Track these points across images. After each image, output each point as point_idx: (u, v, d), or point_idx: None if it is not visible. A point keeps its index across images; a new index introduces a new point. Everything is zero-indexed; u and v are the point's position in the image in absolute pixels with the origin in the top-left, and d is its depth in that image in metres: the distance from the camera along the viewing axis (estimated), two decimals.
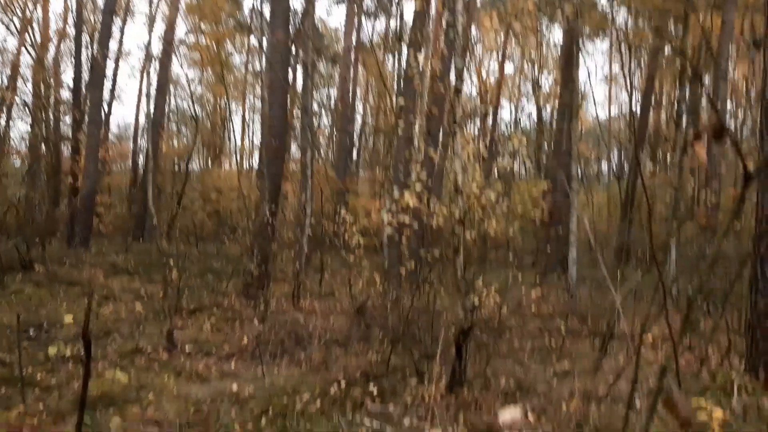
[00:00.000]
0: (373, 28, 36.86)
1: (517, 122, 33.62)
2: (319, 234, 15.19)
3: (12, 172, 25.43)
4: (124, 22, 26.55)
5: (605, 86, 45.67)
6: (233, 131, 43.32)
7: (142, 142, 29.33)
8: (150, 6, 30.20)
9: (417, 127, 12.34)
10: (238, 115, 41.78)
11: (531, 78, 31.25)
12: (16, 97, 22.25)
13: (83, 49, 21.74)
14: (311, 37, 15.75)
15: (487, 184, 6.34)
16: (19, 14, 22.63)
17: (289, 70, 18.70)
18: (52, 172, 20.20)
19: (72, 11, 23.39)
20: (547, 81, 32.86)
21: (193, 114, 33.11)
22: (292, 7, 16.13)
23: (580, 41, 20.62)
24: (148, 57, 21.46)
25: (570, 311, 11.07)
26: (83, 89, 21.05)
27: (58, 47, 25.31)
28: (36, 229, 16.27)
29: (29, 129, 23.25)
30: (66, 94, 23.55)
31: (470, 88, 33.42)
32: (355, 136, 35.00)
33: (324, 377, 7.19)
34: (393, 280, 11.19)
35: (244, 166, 39.67)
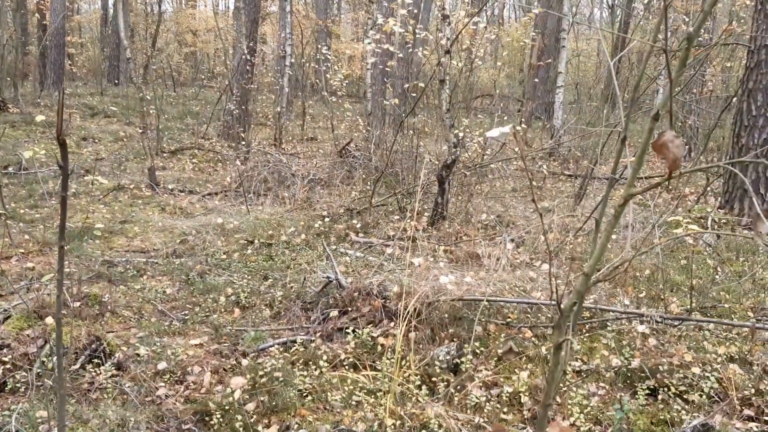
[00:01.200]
0: None
1: None
2: (300, 78, 14.73)
3: None
4: None
5: None
6: None
7: None
8: None
9: None
10: None
11: None
12: None
13: None
14: None
15: (477, 15, 6.03)
16: None
17: None
18: (17, 8, 18.96)
19: None
20: None
21: None
22: None
23: None
24: None
25: (552, 154, 11.12)
26: None
27: None
28: (7, 70, 15.56)
29: None
30: None
31: None
32: None
33: (308, 214, 7.28)
34: (375, 123, 11.05)
35: (220, 6, 37.73)
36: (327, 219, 6.79)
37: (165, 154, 11.08)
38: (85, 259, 5.43)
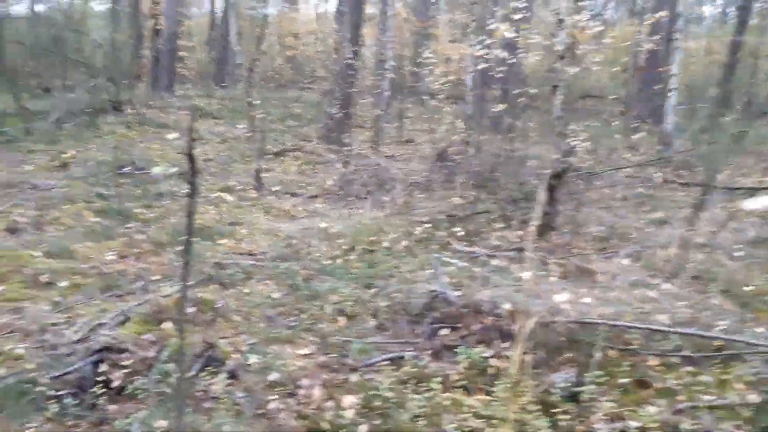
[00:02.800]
0: None
1: None
2: (398, 80, 14.69)
3: (94, 15, 25.56)
4: None
5: None
6: None
7: None
8: None
9: None
10: None
11: None
12: None
13: None
14: None
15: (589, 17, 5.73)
16: None
17: None
18: (133, 14, 20.12)
19: None
20: None
21: None
22: None
23: None
24: None
25: (665, 160, 10.50)
26: None
27: None
28: (123, 72, 16.53)
29: None
30: None
31: None
32: None
33: (408, 219, 7.20)
34: (476, 127, 10.83)
35: (322, 9, 38.50)
36: (427, 225, 6.68)
37: (268, 156, 11.34)
38: (196, 261, 5.59)
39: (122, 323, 4.04)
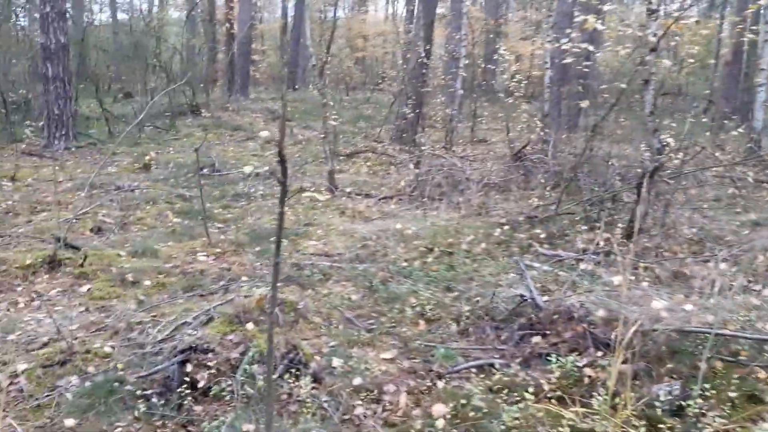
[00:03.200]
0: None
1: None
2: (470, 79, 14.47)
3: (171, 22, 26.45)
4: None
5: None
6: None
7: None
8: None
9: None
10: None
11: None
12: None
13: None
14: None
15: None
16: None
17: None
18: (209, 19, 20.69)
19: None
20: None
21: None
22: None
23: None
24: None
25: (756, 159, 9.88)
26: None
27: None
28: (200, 77, 16.99)
29: None
30: None
31: None
32: None
33: (485, 221, 7.02)
34: (553, 125, 10.51)
35: (390, 10, 38.56)
36: (506, 227, 6.48)
37: (341, 158, 11.37)
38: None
39: (206, 323, 4.06)
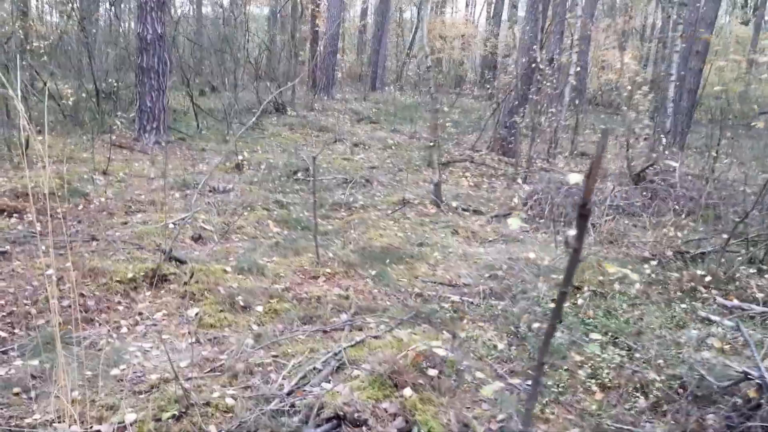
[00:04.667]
0: None
1: None
2: (580, 87, 13.51)
3: (255, 17, 26.38)
4: None
5: None
6: None
7: None
8: None
9: None
10: None
11: None
12: None
13: None
14: None
15: None
16: None
17: None
18: (293, 16, 20.36)
19: None
20: None
21: None
22: None
23: None
24: None
25: None
26: None
27: None
28: (285, 74, 16.61)
29: None
30: None
31: None
32: None
33: (624, 252, 6.16)
34: (677, 141, 9.51)
35: (470, 12, 37.61)
36: (653, 262, 5.61)
37: (437, 166, 10.65)
38: (394, 289, 4.92)
39: (336, 370, 3.41)
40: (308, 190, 8.30)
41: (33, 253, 5.16)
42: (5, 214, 6.18)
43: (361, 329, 4.03)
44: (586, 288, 4.86)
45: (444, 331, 4.11)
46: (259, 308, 4.31)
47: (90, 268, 4.70)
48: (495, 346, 3.97)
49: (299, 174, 9.02)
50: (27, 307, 4.01)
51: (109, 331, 3.79)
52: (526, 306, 4.54)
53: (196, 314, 4.12)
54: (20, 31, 11.23)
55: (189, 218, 6.16)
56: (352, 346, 3.67)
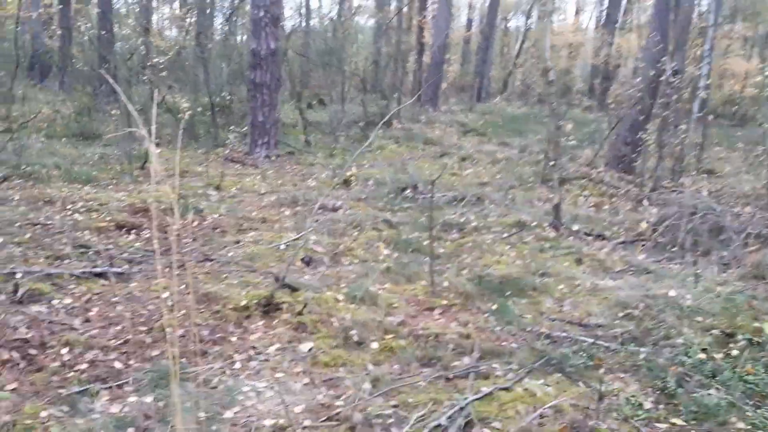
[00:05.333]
0: None
1: None
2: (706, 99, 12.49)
3: (360, 29, 26.59)
4: None
5: None
6: None
7: None
8: None
9: None
10: None
11: None
12: None
13: None
14: None
15: None
16: None
17: None
18: (399, 28, 20.26)
19: None
20: None
21: None
22: None
23: None
24: None
25: None
26: None
27: None
28: (390, 85, 16.51)
29: None
30: None
31: None
32: None
33: None
34: None
35: (579, 20, 36.30)
36: None
37: (550, 184, 10.08)
38: (518, 327, 4.51)
39: (464, 428, 3.06)
40: (417, 208, 8.02)
41: (149, 273, 5.16)
42: (124, 230, 6.30)
43: (487, 377, 3.66)
44: (739, 335, 4.24)
45: (580, 383, 3.67)
46: (374, 345, 4.04)
47: (204, 293, 4.62)
48: (640, 405, 3.48)
49: (407, 191, 8.76)
50: (142, 335, 3.94)
51: (223, 366, 3.63)
52: (669, 354, 4.00)
53: (310, 350, 3.90)
54: (143, 47, 11.71)
55: (301, 240, 6.02)
56: (479, 399, 3.31)
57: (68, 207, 6.79)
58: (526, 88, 26.30)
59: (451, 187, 9.46)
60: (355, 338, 4.08)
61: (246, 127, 11.02)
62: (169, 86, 13.22)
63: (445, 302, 4.91)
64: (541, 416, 3.21)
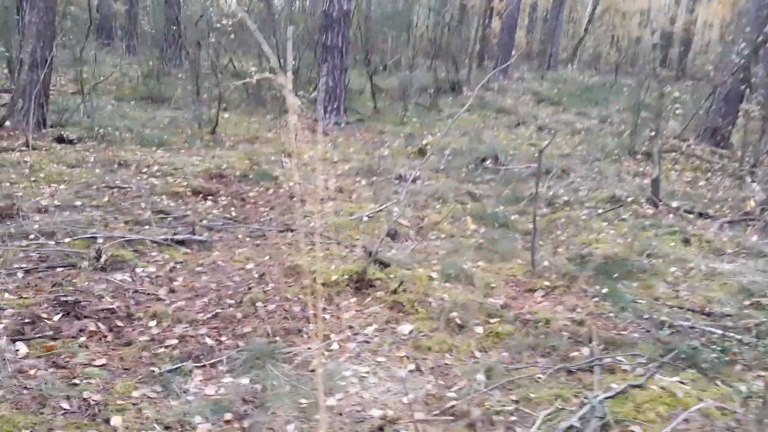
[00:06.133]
0: None
1: None
2: None
3: None
4: None
5: None
6: None
7: None
8: None
9: None
10: None
11: None
12: None
13: None
14: None
15: None
16: None
17: None
18: None
19: None
20: None
21: None
22: None
23: None
24: None
25: None
26: None
27: None
28: (461, 52, 15.89)
29: None
30: None
31: None
32: None
33: None
34: None
35: None
36: None
37: (638, 157, 9.45)
38: (634, 314, 4.07)
39: (600, 429, 2.68)
40: (500, 180, 7.57)
41: (231, 242, 4.92)
42: (201, 196, 6.08)
43: (612, 371, 3.26)
44: None
45: (718, 381, 3.23)
46: (479, 329, 3.68)
47: (290, 266, 4.33)
48: None
49: (488, 162, 8.30)
50: (231, 309, 3.68)
51: (321, 346, 3.34)
52: None
53: (410, 333, 3.57)
54: (211, 8, 11.47)
55: (384, 211, 5.68)
56: (611, 397, 2.92)
57: (143, 170, 6.63)
58: (597, 57, 25.12)
59: (532, 158, 8.93)
60: (458, 321, 3.72)
61: (314, 93, 10.69)
62: (234, 50, 12.94)
63: (547, 284, 4.50)
64: (686, 420, 2.80)
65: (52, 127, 7.99)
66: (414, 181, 7.30)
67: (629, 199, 6.79)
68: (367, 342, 3.44)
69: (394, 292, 3.97)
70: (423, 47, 16.47)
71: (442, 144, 9.27)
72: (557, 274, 4.66)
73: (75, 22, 13.08)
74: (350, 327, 3.57)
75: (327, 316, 3.71)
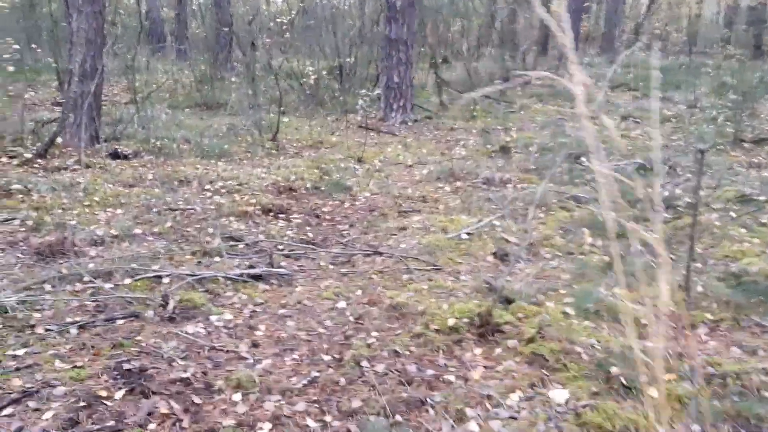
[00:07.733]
0: None
1: None
2: None
3: None
4: None
5: None
6: None
7: None
8: None
9: None
10: None
11: None
12: None
13: None
14: None
15: None
16: None
17: None
18: None
19: None
20: None
21: None
22: None
23: None
24: None
25: None
26: None
27: None
28: (525, 37, 14.90)
29: None
30: None
31: None
32: None
33: None
34: None
35: None
36: None
37: (746, 145, 8.36)
38: None
39: None
40: (572, 176, 6.64)
41: (313, 272, 4.19)
42: (272, 215, 5.38)
43: None
44: None
45: None
46: (653, 392, 2.82)
47: (391, 305, 3.56)
48: None
49: (583, 159, 7.37)
50: (331, 370, 2.93)
51: (453, 427, 2.55)
52: None
53: (566, 401, 2.74)
54: (265, 6, 10.83)
55: (485, 226, 4.87)
56: None
57: (206, 187, 5.98)
58: (664, 37, 23.63)
59: (626, 151, 7.96)
60: (622, 380, 2.88)
61: (378, 90, 9.92)
62: (287, 49, 12.28)
63: (709, 315, 3.61)
64: None
65: (105, 141, 7.45)
66: (504, 184, 6.47)
67: (761, 198, 5.79)
68: (514, 418, 2.63)
69: (531, 340, 3.15)
70: (485, 35, 15.51)
71: (522, 140, 8.40)
72: (718, 302, 3.76)
73: (125, 29, 12.67)
74: (487, 397, 2.76)
75: (452, 378, 2.92)
